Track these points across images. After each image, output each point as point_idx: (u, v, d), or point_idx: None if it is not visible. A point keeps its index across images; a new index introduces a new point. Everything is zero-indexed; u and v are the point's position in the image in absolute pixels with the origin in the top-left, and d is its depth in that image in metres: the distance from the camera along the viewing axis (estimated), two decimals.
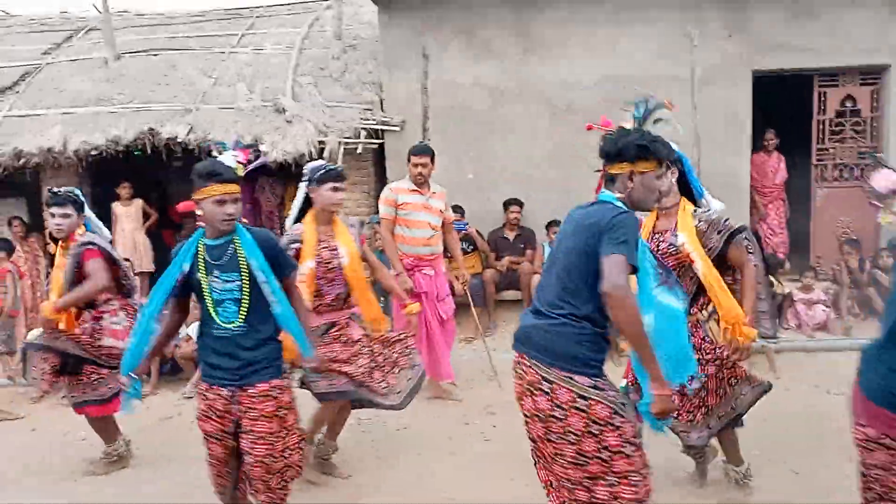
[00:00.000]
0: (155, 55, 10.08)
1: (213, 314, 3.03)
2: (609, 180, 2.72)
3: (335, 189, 4.18)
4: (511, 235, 8.24)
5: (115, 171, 9.02)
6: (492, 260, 8.17)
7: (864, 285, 7.56)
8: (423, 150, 5.74)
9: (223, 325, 3.01)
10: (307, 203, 4.29)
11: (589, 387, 2.51)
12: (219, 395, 3.07)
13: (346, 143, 8.29)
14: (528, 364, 2.61)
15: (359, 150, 8.33)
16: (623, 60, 8.16)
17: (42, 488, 4.59)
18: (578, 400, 2.50)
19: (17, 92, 9.57)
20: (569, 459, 2.53)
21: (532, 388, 2.59)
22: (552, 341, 2.57)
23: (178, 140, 8.33)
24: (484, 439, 5.09)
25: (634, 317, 2.43)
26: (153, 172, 10.41)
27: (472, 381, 6.37)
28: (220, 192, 2.97)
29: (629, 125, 3.11)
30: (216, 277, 3.02)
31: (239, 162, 3.99)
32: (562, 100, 8.30)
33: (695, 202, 3.81)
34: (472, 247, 8.11)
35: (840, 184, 8.42)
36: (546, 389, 2.54)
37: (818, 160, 8.45)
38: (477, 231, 8.20)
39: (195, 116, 8.64)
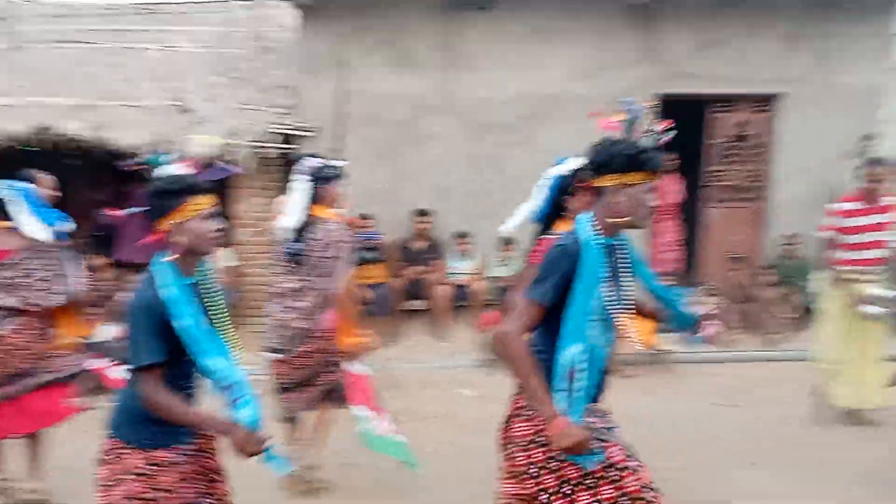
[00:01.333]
0: (60, 48, 9.65)
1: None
2: (596, 194, 2.52)
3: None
4: (419, 245, 8.31)
5: (12, 168, 8.55)
6: (398, 269, 8.21)
7: (749, 300, 8.00)
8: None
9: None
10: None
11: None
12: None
13: (257, 147, 8.16)
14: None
15: (272, 155, 8.23)
16: (541, 78, 8.40)
17: None
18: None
19: None
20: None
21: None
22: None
23: (74, 137, 8.00)
24: None
25: (517, 360, 2.39)
26: (51, 170, 9.93)
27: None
28: (208, 204, 2.46)
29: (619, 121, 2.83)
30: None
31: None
32: (480, 114, 8.45)
33: None
34: (378, 256, 8.12)
35: (728, 204, 8.86)
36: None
37: (709, 182, 8.87)
38: (382, 241, 8.22)
39: (98, 113, 8.31)
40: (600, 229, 2.46)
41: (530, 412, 2.46)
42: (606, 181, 2.44)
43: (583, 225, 2.47)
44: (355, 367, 4.19)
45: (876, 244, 5.20)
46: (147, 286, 2.37)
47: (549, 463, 2.42)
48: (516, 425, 2.52)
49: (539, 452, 2.44)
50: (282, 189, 8.36)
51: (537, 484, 2.45)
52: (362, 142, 8.36)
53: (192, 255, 2.45)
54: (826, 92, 8.48)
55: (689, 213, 9.25)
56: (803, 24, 8.41)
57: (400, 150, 8.49)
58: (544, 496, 2.43)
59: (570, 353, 2.35)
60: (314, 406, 4.30)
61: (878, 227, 5.19)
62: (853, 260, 5.25)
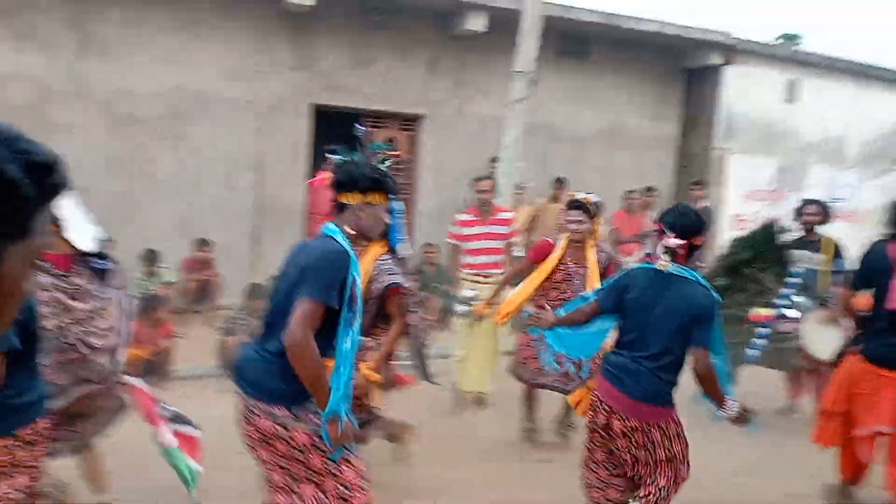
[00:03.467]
0: None
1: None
2: (339, 209, 2.71)
3: None
4: None
5: None
6: None
7: None
8: None
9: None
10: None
11: (287, 417, 2.53)
12: None
13: None
14: (241, 393, 2.62)
15: None
16: (193, 74, 8.00)
17: None
18: (279, 429, 2.52)
19: None
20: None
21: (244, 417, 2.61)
22: (257, 376, 2.58)
23: None
24: None
25: (312, 367, 2.43)
26: None
27: None
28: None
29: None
30: None
31: None
32: (121, 106, 7.76)
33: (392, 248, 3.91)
34: None
35: None
36: (252, 419, 2.57)
37: None
38: None
39: None
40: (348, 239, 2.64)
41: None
42: (350, 199, 2.68)
43: (336, 234, 2.60)
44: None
45: (487, 251, 5.90)
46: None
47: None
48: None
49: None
50: None
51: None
52: None
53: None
54: (460, 118, 9.41)
55: None
56: (442, 55, 9.24)
57: None
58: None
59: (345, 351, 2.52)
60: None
61: (489, 236, 5.88)
62: (469, 264, 5.93)
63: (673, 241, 3.15)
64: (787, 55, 11.21)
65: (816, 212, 5.69)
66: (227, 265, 8.02)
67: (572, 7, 9.26)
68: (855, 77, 11.59)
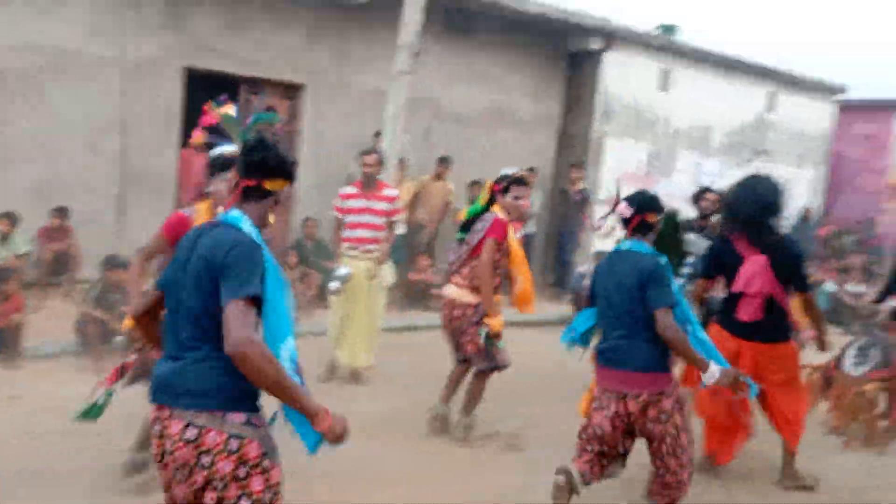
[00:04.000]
0: None
1: None
2: (249, 194, 2.40)
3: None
4: None
5: None
6: None
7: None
8: None
9: None
10: None
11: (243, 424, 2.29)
12: None
13: None
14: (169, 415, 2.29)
15: None
16: (53, 31, 7.40)
17: None
18: (231, 441, 2.25)
19: None
20: None
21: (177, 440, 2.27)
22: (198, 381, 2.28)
23: None
24: None
25: (266, 370, 2.15)
26: None
27: None
28: None
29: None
30: None
31: None
32: None
33: None
34: None
35: None
36: (192, 437, 2.25)
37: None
38: None
39: None
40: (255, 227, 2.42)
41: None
42: (274, 185, 2.41)
43: (241, 222, 2.36)
44: None
45: (367, 226, 5.80)
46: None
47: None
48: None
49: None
50: None
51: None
52: None
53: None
54: (342, 89, 9.18)
55: None
56: (323, 23, 8.96)
57: None
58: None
59: (289, 345, 2.30)
60: None
61: (370, 210, 5.77)
62: (348, 238, 5.82)
63: (625, 210, 3.59)
64: (662, 44, 11.63)
65: (714, 199, 5.86)
66: (90, 235, 7.50)
67: None
68: (724, 69, 12.20)
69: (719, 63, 12.09)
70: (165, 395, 2.31)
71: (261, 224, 2.41)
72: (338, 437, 2.29)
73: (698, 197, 6.01)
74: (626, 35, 10.96)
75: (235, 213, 2.38)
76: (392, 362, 6.23)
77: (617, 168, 11.14)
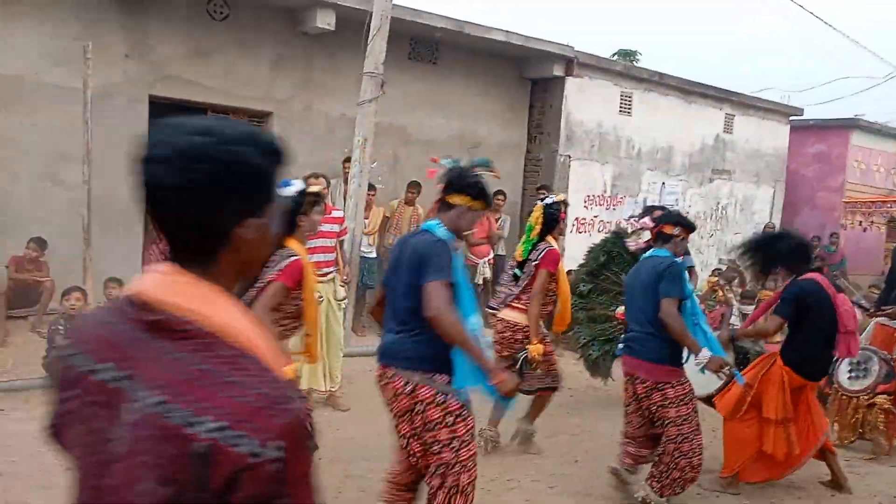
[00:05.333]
0: None
1: None
2: (442, 207, 3.24)
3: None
4: None
5: None
6: None
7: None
8: None
9: None
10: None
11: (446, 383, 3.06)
12: None
13: None
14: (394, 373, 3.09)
15: None
16: (7, 58, 7.28)
17: None
18: (438, 395, 3.03)
19: None
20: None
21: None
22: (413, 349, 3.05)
23: None
24: None
25: (460, 331, 2.89)
26: None
27: None
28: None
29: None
30: None
31: None
32: None
33: None
34: None
35: None
36: (409, 390, 3.03)
37: None
38: None
39: None
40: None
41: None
42: (458, 200, 3.21)
43: (437, 228, 3.14)
44: None
45: (322, 249, 5.78)
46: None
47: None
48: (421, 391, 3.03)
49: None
50: None
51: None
52: None
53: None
54: (307, 116, 9.18)
55: None
56: (289, 51, 8.97)
57: None
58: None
59: (473, 321, 3.02)
60: None
61: (322, 234, 5.68)
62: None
63: (647, 223, 4.67)
64: (622, 70, 11.86)
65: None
66: (53, 267, 7.36)
67: (422, 11, 9.30)
68: (682, 93, 12.48)
69: (678, 87, 12.36)
70: (390, 358, 3.09)
71: (454, 229, 3.17)
72: (510, 390, 3.01)
73: (642, 217, 6.24)
74: (588, 61, 11.16)
75: (433, 221, 3.18)
76: (361, 386, 6.19)
77: (583, 190, 11.28)
